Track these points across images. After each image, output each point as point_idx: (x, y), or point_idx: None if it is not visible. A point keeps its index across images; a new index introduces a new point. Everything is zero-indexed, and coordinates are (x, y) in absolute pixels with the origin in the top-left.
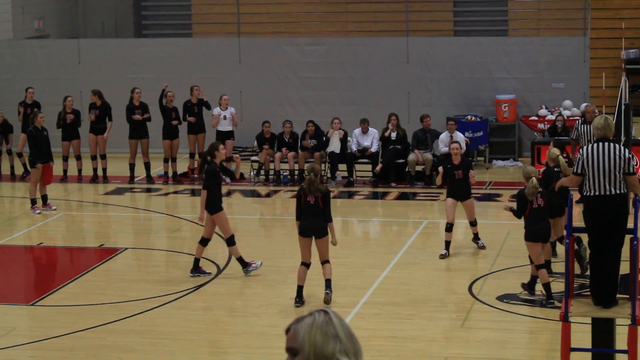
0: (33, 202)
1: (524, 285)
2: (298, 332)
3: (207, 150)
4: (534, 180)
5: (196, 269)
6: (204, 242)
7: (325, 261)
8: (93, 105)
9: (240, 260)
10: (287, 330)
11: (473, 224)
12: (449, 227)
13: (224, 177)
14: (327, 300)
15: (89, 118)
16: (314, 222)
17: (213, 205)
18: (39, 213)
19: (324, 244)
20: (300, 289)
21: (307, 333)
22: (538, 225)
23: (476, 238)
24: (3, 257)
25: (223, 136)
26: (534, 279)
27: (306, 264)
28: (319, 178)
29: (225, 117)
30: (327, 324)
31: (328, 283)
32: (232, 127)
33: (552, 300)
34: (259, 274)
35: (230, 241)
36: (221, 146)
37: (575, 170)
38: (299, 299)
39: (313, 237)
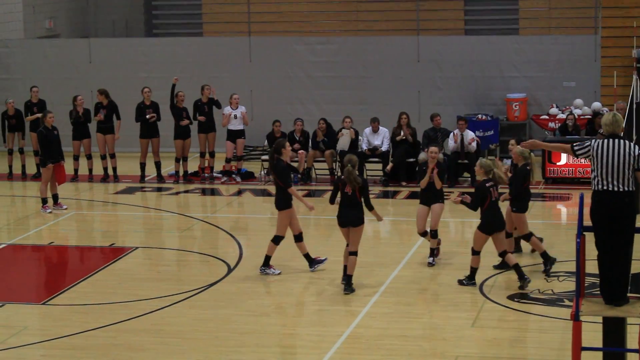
0: (44, 201)
1: (460, 282)
2: None
3: (273, 148)
4: (497, 172)
5: (266, 265)
6: (277, 240)
7: (353, 252)
8: (100, 105)
9: (307, 257)
10: None
11: (433, 235)
12: (424, 235)
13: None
14: (347, 293)
15: (99, 117)
16: (350, 213)
17: (284, 202)
18: (50, 212)
19: (356, 234)
20: (348, 278)
21: None
22: (496, 218)
23: (431, 253)
24: (14, 256)
25: (234, 135)
26: (474, 270)
27: (353, 253)
28: (356, 169)
29: (235, 117)
30: None
31: (348, 280)
32: (243, 126)
33: (473, 282)
34: (269, 273)
35: (298, 238)
36: (287, 143)
37: (575, 149)
38: (348, 287)
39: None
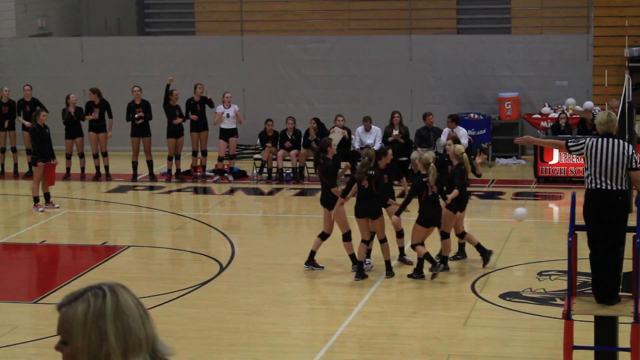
0: (36, 200)
1: (411, 275)
2: (69, 321)
3: (319, 147)
4: (434, 167)
5: (311, 261)
6: (323, 236)
7: (382, 240)
8: (92, 104)
9: (352, 257)
10: (59, 308)
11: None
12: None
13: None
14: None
15: (93, 116)
16: (367, 204)
17: (330, 200)
18: (42, 211)
19: (378, 224)
20: (360, 264)
21: (80, 326)
22: (432, 212)
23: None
24: (6, 254)
25: (226, 134)
26: (421, 261)
27: (365, 241)
28: (372, 163)
29: (228, 115)
30: (100, 315)
31: (388, 265)
32: (236, 125)
33: (422, 275)
34: (256, 268)
35: (347, 237)
36: (333, 142)
37: (569, 144)
38: (359, 274)
39: (369, 219)
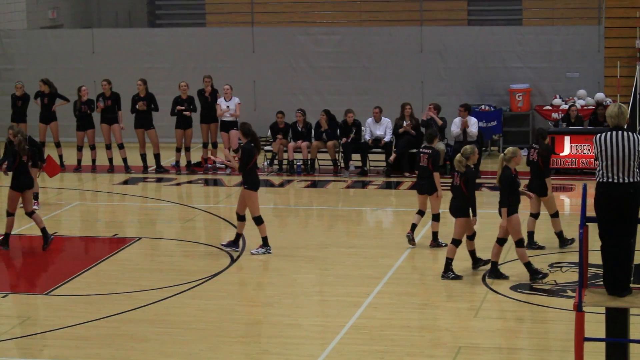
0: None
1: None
2: None
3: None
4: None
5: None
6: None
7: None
8: (102, 95)
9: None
10: None
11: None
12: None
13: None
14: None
15: (98, 107)
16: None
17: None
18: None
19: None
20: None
21: None
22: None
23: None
24: (18, 246)
25: (227, 126)
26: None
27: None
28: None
29: (228, 107)
30: None
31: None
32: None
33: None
34: (267, 260)
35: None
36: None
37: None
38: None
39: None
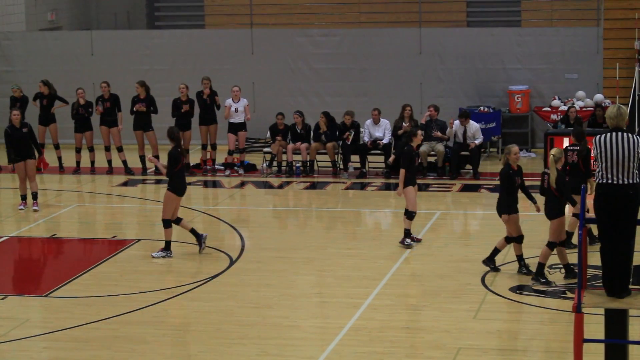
0: (22, 197)
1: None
2: None
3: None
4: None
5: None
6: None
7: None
8: (101, 98)
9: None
10: None
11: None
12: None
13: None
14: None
15: (97, 111)
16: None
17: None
18: (21, 209)
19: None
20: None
21: None
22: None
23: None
24: (17, 248)
25: (235, 128)
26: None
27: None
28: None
29: (237, 110)
30: None
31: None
32: (245, 119)
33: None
34: (266, 262)
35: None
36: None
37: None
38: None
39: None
